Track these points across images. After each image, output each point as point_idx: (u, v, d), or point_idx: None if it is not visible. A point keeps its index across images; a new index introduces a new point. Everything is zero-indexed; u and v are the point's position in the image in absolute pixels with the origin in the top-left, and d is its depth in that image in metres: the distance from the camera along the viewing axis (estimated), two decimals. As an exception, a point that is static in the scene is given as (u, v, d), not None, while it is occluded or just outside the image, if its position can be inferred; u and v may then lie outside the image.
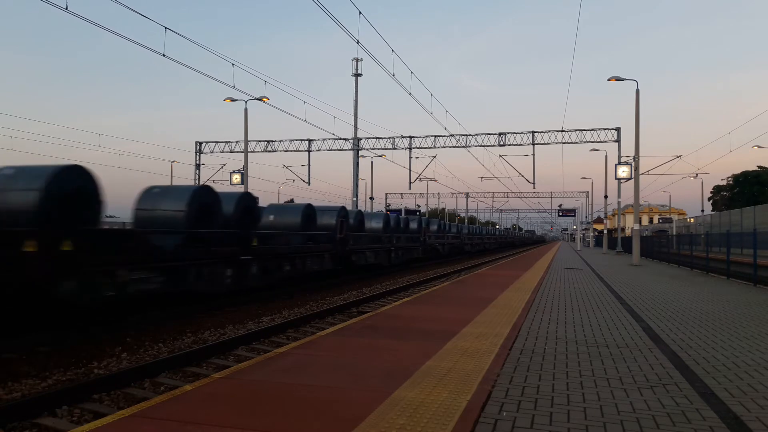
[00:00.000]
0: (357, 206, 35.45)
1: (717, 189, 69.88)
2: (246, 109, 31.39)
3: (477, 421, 3.94)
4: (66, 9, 13.31)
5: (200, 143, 42.63)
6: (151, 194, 12.66)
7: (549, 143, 37.80)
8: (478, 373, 5.20)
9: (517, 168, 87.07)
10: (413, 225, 31.39)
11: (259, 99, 28.76)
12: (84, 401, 5.93)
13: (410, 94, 27.16)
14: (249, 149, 33.27)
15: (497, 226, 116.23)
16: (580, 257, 36.31)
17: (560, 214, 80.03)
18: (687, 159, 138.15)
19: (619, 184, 38.30)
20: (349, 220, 21.14)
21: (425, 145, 39.45)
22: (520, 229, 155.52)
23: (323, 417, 3.94)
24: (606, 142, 37.09)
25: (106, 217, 12.03)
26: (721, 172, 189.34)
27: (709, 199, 71.11)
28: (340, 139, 38.61)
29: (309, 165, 41.17)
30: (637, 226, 27.35)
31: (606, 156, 46.49)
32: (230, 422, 3.82)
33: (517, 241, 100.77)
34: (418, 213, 59.17)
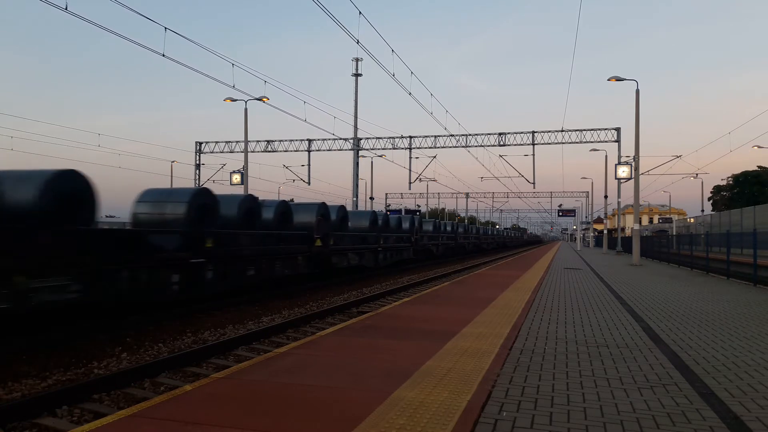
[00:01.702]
0: (357, 206, 35.44)
1: (717, 189, 69.79)
2: (246, 109, 31.41)
3: (477, 422, 3.94)
4: (66, 9, 13.32)
5: (200, 143, 42.60)
6: (150, 195, 12.75)
7: (549, 143, 37.80)
8: (478, 373, 5.19)
9: (517, 168, 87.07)
10: (405, 225, 29.84)
11: (259, 99, 28.76)
12: (84, 401, 5.93)
13: (410, 94, 27.20)
14: (249, 149, 33.27)
15: (497, 226, 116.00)
16: (580, 257, 36.31)
17: (560, 214, 79.87)
18: (687, 159, 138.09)
19: (619, 184, 38.29)
20: (330, 218, 19.35)
21: (425, 145, 39.46)
22: (521, 229, 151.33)
23: (323, 417, 3.94)
24: (606, 142, 37.08)
25: (106, 216, 11.75)
26: (721, 172, 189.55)
27: (709, 199, 71.08)
28: (340, 139, 38.63)
29: (309, 165, 41.16)
30: (637, 226, 27.35)
31: (606, 156, 46.53)
32: (230, 422, 3.82)
33: (513, 242, 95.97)
34: (417, 213, 59.11)
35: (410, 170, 41.56)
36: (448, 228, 42.32)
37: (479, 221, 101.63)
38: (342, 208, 21.58)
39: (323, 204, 18.99)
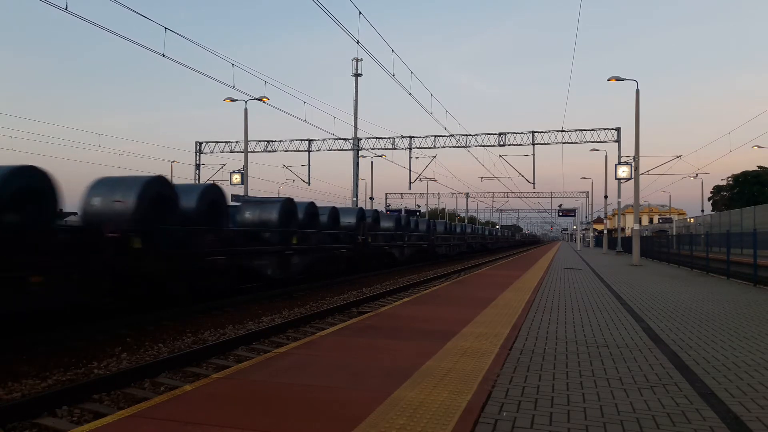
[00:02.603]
0: (357, 206, 35.42)
1: (717, 189, 69.77)
2: (246, 109, 31.41)
3: (477, 422, 3.94)
4: (66, 9, 13.32)
5: (200, 143, 42.62)
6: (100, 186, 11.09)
7: (549, 143, 37.82)
8: (478, 374, 5.19)
9: (517, 168, 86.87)
10: (190, 201, 13.27)
11: (259, 99, 28.75)
12: (84, 401, 5.93)
13: (410, 94, 27.20)
14: (249, 149, 33.27)
15: (497, 226, 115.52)
16: (580, 257, 36.31)
17: (560, 214, 79.82)
18: (687, 159, 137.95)
19: (619, 184, 38.30)
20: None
21: (425, 145, 39.48)
22: (513, 227, 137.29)
23: (323, 417, 3.94)
24: (606, 142, 37.12)
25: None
26: (721, 172, 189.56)
27: (709, 199, 71.06)
28: (340, 139, 38.63)
29: (309, 165, 41.20)
30: (637, 226, 27.34)
31: (606, 156, 46.49)
32: (230, 422, 3.82)
33: (500, 244, 75.12)
34: (417, 213, 58.91)
35: (410, 170, 41.62)
36: (370, 219, 23.76)
37: (479, 221, 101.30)
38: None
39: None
